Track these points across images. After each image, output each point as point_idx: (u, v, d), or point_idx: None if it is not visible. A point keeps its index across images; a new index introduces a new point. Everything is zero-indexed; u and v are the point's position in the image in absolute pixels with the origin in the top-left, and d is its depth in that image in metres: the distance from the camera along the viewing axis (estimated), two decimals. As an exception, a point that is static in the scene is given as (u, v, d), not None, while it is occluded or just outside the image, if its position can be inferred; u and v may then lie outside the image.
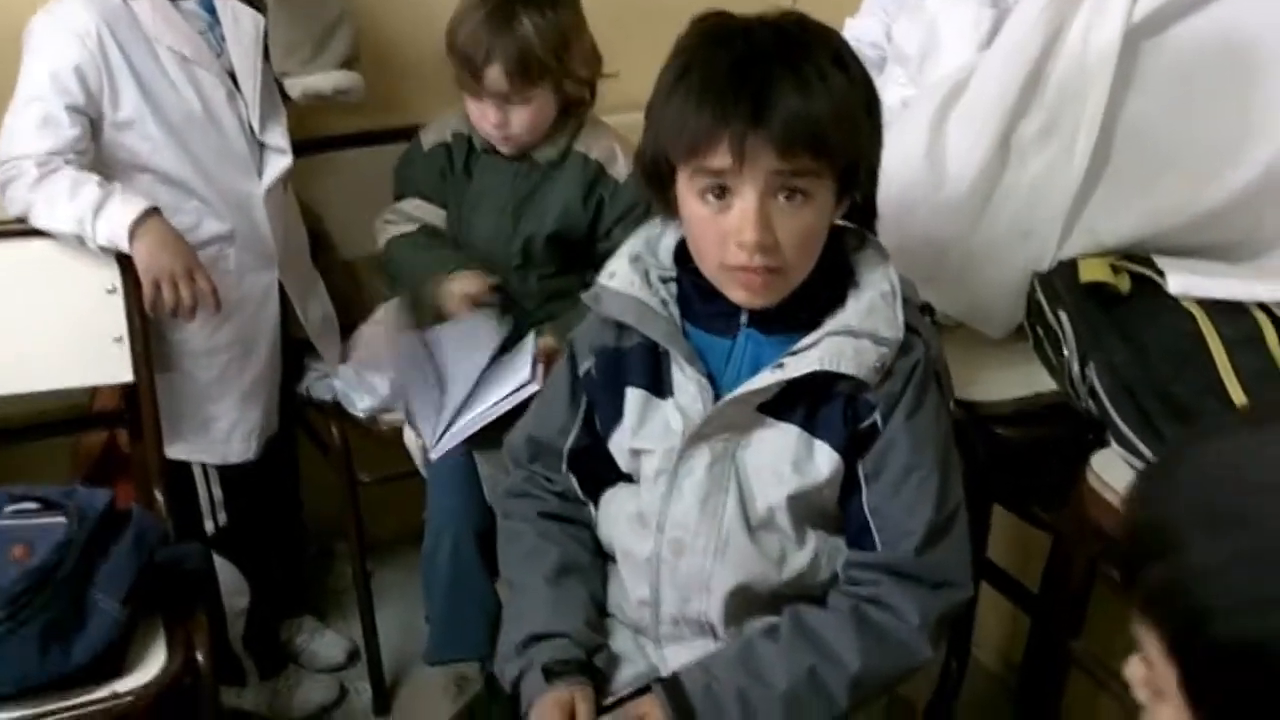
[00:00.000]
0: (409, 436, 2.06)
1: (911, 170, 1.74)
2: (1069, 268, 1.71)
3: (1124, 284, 1.68)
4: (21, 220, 1.83)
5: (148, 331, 1.90)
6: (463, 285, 2.01)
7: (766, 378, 1.32)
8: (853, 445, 1.35)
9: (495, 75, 1.92)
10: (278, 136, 2.03)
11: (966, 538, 1.37)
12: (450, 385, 1.95)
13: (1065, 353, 1.66)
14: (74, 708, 1.55)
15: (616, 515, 1.47)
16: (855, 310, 1.34)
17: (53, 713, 1.54)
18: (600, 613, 1.48)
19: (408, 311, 2.13)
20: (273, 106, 2.04)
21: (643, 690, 1.36)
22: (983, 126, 1.73)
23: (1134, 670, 0.86)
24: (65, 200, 1.78)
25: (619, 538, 1.47)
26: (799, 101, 1.23)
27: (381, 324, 2.20)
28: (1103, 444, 1.61)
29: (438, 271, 2.03)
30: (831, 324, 1.33)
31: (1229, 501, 0.77)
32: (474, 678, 2.21)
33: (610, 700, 1.37)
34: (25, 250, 1.85)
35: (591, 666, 1.39)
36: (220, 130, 1.97)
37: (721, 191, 1.28)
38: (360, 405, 2.13)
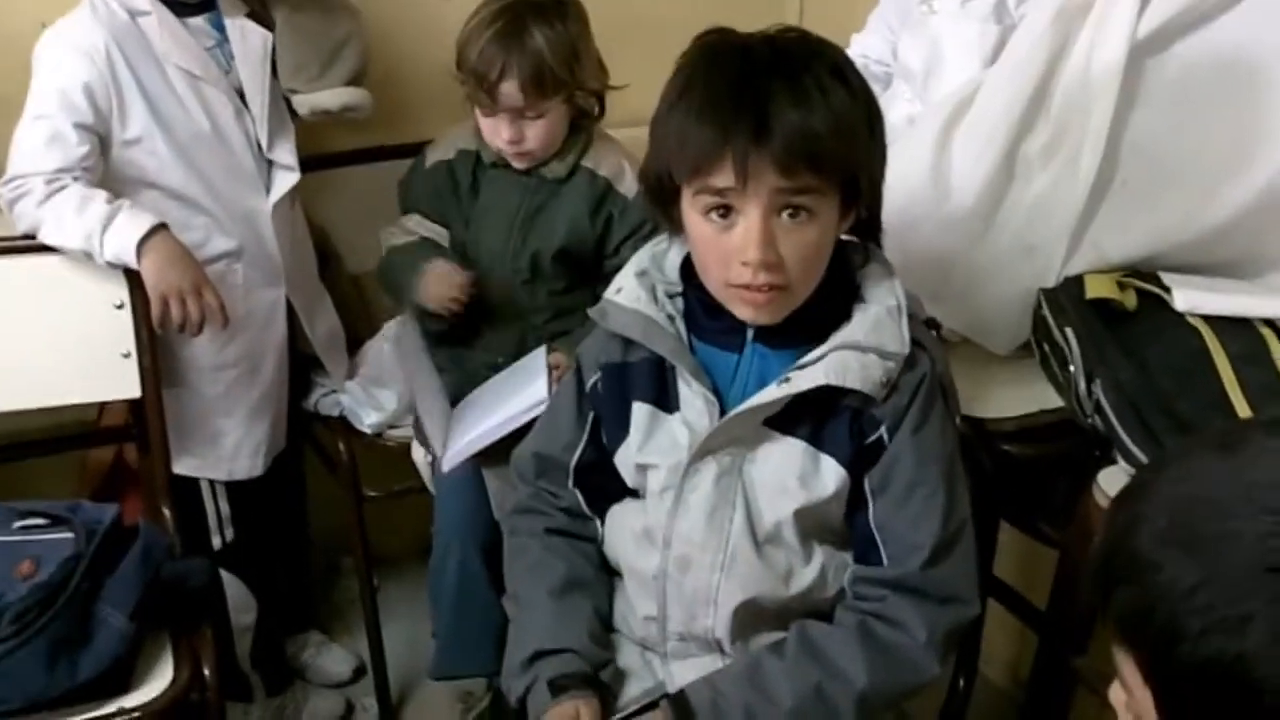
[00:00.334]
0: (417, 453, 2.07)
1: (917, 186, 1.75)
2: (1075, 284, 1.71)
3: (1130, 300, 1.68)
4: (30, 236, 1.84)
5: (155, 347, 1.90)
6: (439, 289, 2.00)
7: (772, 392, 1.32)
8: (859, 460, 1.35)
9: (510, 90, 1.92)
10: (285, 153, 2.04)
11: (973, 553, 1.37)
12: (471, 407, 1.95)
13: (1071, 369, 1.66)
14: (81, 723, 1.55)
15: (622, 531, 1.47)
16: (861, 325, 1.34)
17: (60, 728, 1.54)
18: (606, 628, 1.48)
19: (415, 326, 2.13)
20: (280, 123, 2.05)
21: (650, 706, 1.36)
22: (988, 143, 1.73)
23: (1115, 695, 0.87)
24: (73, 216, 1.79)
25: (625, 553, 1.47)
26: (798, 117, 1.23)
27: (388, 339, 2.20)
28: (1109, 460, 1.60)
29: (418, 264, 2.02)
30: (837, 339, 1.33)
31: (1198, 525, 0.78)
32: (480, 693, 2.21)
33: (617, 717, 1.37)
34: (34, 266, 1.86)
35: (597, 681, 1.38)
36: (228, 147, 1.98)
37: (725, 210, 1.28)
38: (367, 421, 2.13)
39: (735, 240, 1.28)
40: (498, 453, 1.81)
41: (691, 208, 1.31)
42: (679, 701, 1.33)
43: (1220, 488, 0.79)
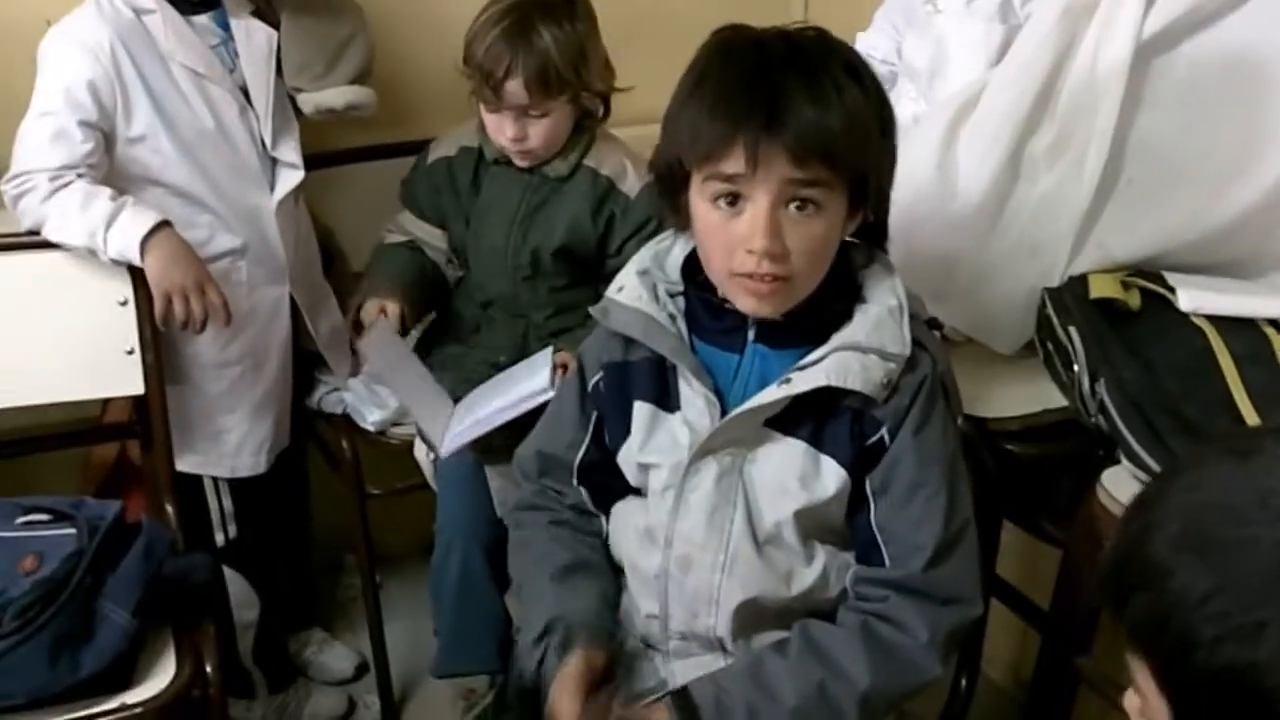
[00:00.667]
0: (419, 450, 2.07)
1: (922, 185, 1.74)
2: (1079, 283, 1.70)
3: (1134, 300, 1.68)
4: (34, 233, 1.84)
5: (159, 344, 1.90)
6: (368, 313, 2.05)
7: (773, 393, 1.32)
8: (860, 461, 1.35)
9: (515, 88, 1.92)
10: (290, 151, 2.04)
11: (975, 554, 1.37)
12: (474, 401, 1.96)
13: (1075, 368, 1.66)
14: (83, 719, 1.55)
15: (625, 529, 1.47)
16: (862, 325, 1.34)
17: (62, 724, 1.54)
18: (613, 608, 1.47)
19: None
20: (285, 121, 2.05)
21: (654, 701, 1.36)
22: (993, 142, 1.73)
23: (1129, 701, 0.86)
24: (77, 213, 1.79)
25: (628, 551, 1.47)
26: (814, 112, 1.23)
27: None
28: (1113, 460, 1.60)
29: (375, 282, 2.08)
30: (839, 339, 1.33)
31: (1212, 532, 0.78)
32: (482, 691, 2.21)
33: (621, 711, 1.37)
34: (38, 263, 1.86)
35: (607, 635, 1.39)
36: (232, 145, 1.98)
37: (733, 198, 1.28)
38: (370, 418, 2.13)
39: (742, 228, 1.28)
40: (500, 451, 1.81)
41: (700, 195, 1.31)
42: (682, 698, 1.33)
43: (1234, 494, 0.79)
